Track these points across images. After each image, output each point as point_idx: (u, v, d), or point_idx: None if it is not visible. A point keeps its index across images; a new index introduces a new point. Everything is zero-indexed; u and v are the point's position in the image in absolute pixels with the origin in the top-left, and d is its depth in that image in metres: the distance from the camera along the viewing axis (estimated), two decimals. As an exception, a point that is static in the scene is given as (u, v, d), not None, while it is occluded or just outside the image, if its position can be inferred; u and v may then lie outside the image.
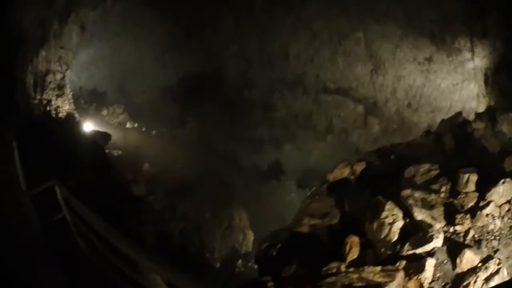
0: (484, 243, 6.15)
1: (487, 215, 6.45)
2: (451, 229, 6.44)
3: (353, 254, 6.84)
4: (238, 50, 17.93)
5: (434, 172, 7.83)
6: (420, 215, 6.73)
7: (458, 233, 6.35)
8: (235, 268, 16.31)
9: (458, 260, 5.91)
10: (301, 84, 17.20)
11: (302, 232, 8.24)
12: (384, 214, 6.84)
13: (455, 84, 12.22)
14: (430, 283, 5.78)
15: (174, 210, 15.17)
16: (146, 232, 13.30)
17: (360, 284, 5.65)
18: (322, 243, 8.16)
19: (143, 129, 18.69)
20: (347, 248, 7.04)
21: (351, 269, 5.80)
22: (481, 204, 6.62)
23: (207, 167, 16.79)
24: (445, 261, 6.00)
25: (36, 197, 5.64)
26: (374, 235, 6.86)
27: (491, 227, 6.30)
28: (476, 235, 6.25)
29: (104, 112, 18.82)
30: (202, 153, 17.64)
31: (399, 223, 6.63)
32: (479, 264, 5.81)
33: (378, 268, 5.93)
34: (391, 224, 6.68)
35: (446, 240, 6.21)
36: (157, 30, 18.02)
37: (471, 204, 6.75)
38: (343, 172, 9.29)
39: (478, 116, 9.32)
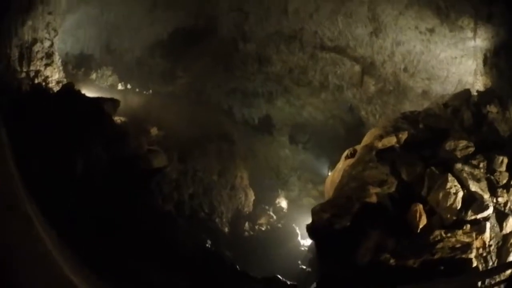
0: (515, 214, 9.04)
1: (515, 193, 9.28)
2: (495, 200, 9.23)
3: (423, 220, 9.18)
4: (236, 2, 18.64)
5: (471, 149, 10.39)
6: (473, 187, 9.33)
7: (500, 204, 9.23)
8: (244, 232, 17.63)
9: (504, 224, 8.82)
10: (298, 39, 19.00)
11: (371, 202, 10.02)
12: (449, 185, 9.27)
13: (454, 58, 14.98)
14: (489, 241, 8.67)
15: (186, 174, 16.48)
16: (167, 207, 14.31)
17: (458, 245, 8.47)
18: (387, 212, 9.90)
19: (137, 90, 19.12)
20: (417, 215, 9.43)
21: (449, 234, 8.58)
22: (512, 183, 9.41)
23: (208, 124, 18.02)
24: (495, 225, 8.87)
25: None
26: (438, 203, 9.28)
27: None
28: (510, 207, 9.19)
29: (93, 75, 19.17)
30: (198, 109, 18.69)
31: (460, 193, 9.18)
32: (516, 229, 8.74)
33: (461, 231, 8.81)
34: (455, 194, 9.17)
35: (494, 209, 9.04)
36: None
37: (504, 181, 9.56)
38: (390, 140, 11.50)
39: (491, 99, 12.03)
